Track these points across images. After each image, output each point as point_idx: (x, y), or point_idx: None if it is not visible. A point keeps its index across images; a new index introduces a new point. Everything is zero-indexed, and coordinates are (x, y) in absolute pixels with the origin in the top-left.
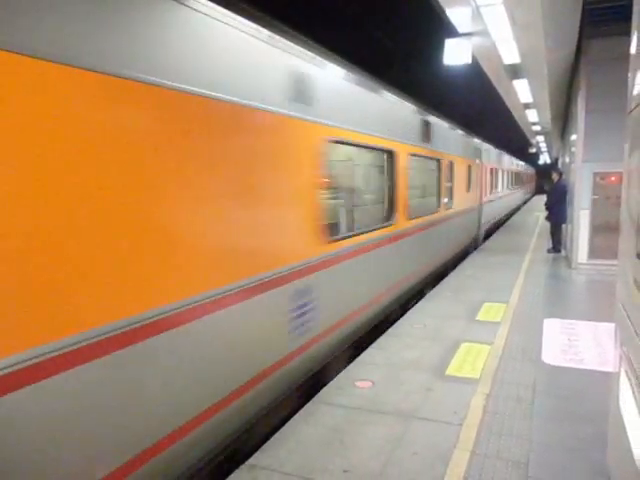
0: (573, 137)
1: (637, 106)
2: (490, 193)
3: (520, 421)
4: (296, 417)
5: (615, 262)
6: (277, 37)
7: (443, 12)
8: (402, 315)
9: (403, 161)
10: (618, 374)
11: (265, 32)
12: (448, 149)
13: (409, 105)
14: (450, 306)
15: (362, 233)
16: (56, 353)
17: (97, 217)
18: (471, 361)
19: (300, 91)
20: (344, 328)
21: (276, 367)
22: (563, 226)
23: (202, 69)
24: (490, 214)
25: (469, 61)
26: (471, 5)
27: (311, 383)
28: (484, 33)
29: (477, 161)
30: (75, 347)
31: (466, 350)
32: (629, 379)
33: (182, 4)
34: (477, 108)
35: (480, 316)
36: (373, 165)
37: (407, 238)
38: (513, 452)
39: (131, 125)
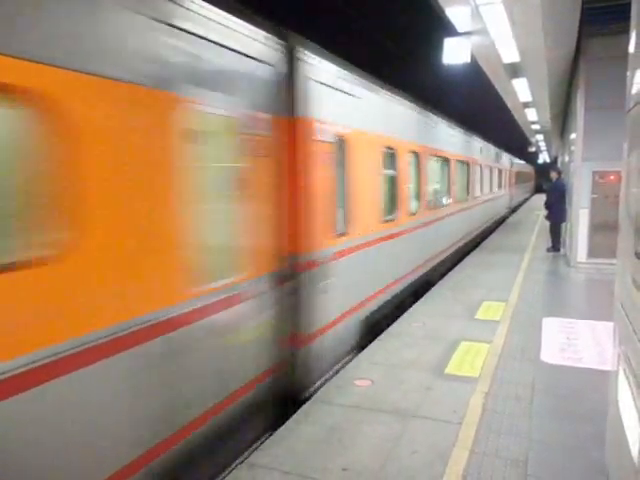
0: (573, 135)
1: (635, 105)
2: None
3: (519, 420)
4: (295, 416)
5: (614, 261)
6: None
7: (442, 11)
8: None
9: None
10: (617, 373)
11: None
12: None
13: (480, 139)
14: (449, 305)
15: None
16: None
17: None
18: (470, 360)
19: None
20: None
21: None
22: (562, 225)
23: None
24: (512, 200)
25: (468, 60)
26: (470, 4)
27: None
28: (483, 32)
29: (507, 166)
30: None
31: (465, 349)
32: (627, 378)
33: None
34: (476, 107)
35: (479, 315)
36: (462, 171)
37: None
38: (512, 451)
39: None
